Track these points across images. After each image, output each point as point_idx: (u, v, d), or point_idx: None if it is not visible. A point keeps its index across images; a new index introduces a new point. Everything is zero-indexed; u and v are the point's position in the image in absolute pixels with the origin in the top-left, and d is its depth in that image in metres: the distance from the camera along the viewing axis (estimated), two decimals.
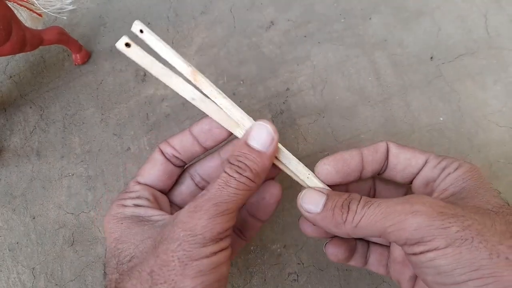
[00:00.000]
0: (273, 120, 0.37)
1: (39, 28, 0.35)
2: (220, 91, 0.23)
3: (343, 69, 0.39)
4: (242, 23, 0.41)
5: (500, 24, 0.40)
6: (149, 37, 0.24)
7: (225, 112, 0.23)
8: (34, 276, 0.34)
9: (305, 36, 0.40)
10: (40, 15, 0.35)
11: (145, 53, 0.23)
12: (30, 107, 0.39)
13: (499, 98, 0.38)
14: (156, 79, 0.40)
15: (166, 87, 0.39)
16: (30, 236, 0.35)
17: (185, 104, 0.38)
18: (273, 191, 0.25)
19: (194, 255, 0.18)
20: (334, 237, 0.26)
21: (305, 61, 0.39)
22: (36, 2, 0.33)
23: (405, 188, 0.25)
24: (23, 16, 0.33)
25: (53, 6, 0.34)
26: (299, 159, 0.36)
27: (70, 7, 0.35)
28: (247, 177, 0.20)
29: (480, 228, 0.16)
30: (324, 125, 0.37)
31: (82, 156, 0.37)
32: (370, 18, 0.41)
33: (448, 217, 0.17)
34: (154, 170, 0.24)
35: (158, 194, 0.25)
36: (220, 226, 0.19)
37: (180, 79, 0.24)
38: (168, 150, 0.25)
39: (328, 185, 0.24)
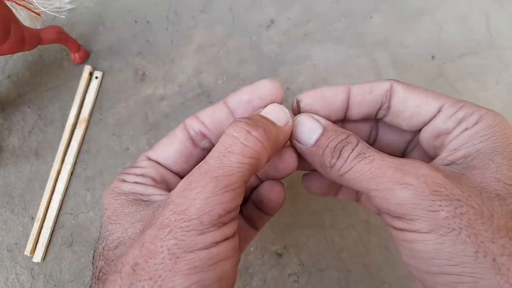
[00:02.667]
0: None
1: (38, 27, 0.35)
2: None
3: (344, 69, 0.39)
4: (242, 22, 0.41)
5: (502, 23, 0.40)
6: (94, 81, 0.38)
7: None
8: (32, 277, 0.34)
9: (305, 35, 0.40)
10: (38, 14, 0.34)
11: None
12: (29, 107, 0.39)
13: (500, 97, 0.37)
14: (156, 78, 0.40)
15: (165, 86, 0.39)
16: (29, 237, 0.35)
17: (185, 103, 0.38)
18: (275, 189, 0.22)
19: (188, 246, 0.14)
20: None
21: (306, 61, 0.39)
22: (34, 1, 0.33)
23: (412, 134, 0.22)
24: (21, 15, 0.33)
25: (52, 5, 0.34)
26: None
27: (69, 6, 0.35)
28: (256, 138, 0.16)
29: (474, 219, 0.14)
30: None
31: (80, 156, 0.37)
32: (371, 17, 0.41)
33: (441, 198, 0.14)
34: (170, 148, 0.20)
35: (170, 175, 0.21)
36: (222, 207, 0.15)
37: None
38: (195, 125, 0.20)
39: None
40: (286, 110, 0.19)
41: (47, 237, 0.34)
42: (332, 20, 0.41)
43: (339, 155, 0.17)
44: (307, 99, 0.20)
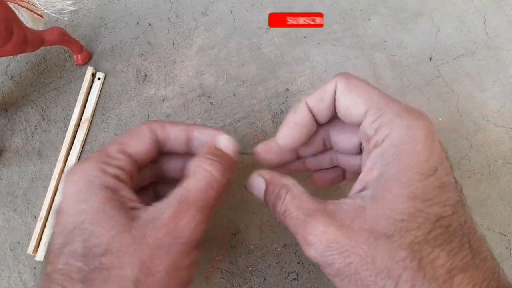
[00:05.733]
0: (273, 121, 0.37)
1: (40, 28, 0.36)
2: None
3: (343, 70, 0.39)
4: (242, 24, 0.41)
5: (499, 25, 0.40)
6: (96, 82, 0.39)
7: None
8: (35, 276, 0.35)
9: (304, 37, 0.41)
10: (41, 16, 0.35)
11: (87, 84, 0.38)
12: (32, 107, 0.39)
13: (497, 98, 0.38)
14: (157, 80, 0.40)
15: (166, 87, 0.39)
16: (32, 236, 0.35)
17: (186, 104, 0.38)
18: None
19: (180, 265, 0.17)
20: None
21: (305, 62, 0.40)
22: (37, 3, 0.33)
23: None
24: (24, 17, 0.33)
25: (54, 7, 0.34)
26: None
27: (71, 8, 0.35)
28: (226, 178, 0.20)
29: (360, 265, 0.16)
30: None
31: (83, 156, 0.37)
32: (369, 19, 0.41)
33: (333, 253, 0.16)
34: (142, 145, 0.21)
35: (135, 173, 0.21)
36: (203, 231, 0.19)
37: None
38: (159, 131, 0.22)
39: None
40: (233, 140, 0.23)
41: (50, 236, 0.35)
42: (331, 22, 0.41)
43: (275, 209, 0.20)
44: (284, 139, 0.22)
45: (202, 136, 0.23)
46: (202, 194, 0.19)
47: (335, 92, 0.19)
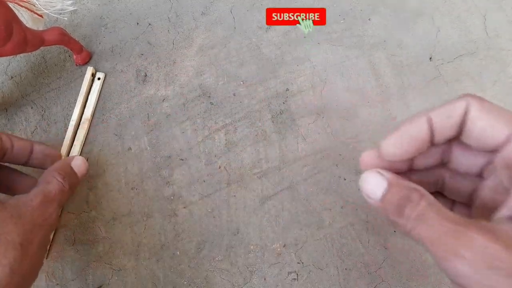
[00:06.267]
0: (273, 121, 0.37)
1: (40, 28, 0.36)
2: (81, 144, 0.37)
3: (343, 70, 0.39)
4: (242, 24, 0.41)
5: (499, 24, 0.40)
6: (96, 82, 0.39)
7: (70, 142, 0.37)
8: None
9: (304, 37, 0.41)
10: (41, 16, 0.35)
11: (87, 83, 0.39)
12: (31, 108, 0.39)
13: (498, 98, 0.38)
14: (157, 79, 0.40)
15: (166, 87, 0.39)
16: None
17: (186, 104, 0.38)
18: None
19: (46, 241, 0.27)
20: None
21: (305, 62, 0.39)
22: (37, 3, 0.33)
23: (487, 157, 0.20)
24: (24, 16, 0.33)
25: (54, 7, 0.34)
26: (299, 159, 0.36)
27: (71, 8, 0.35)
28: (72, 189, 0.30)
29: None
30: (324, 125, 0.37)
31: (83, 156, 0.37)
32: (369, 19, 0.41)
33: (498, 273, 0.14)
34: None
35: None
36: (58, 221, 0.31)
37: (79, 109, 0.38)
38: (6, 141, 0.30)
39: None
40: (86, 163, 0.33)
41: (50, 236, 0.35)
42: (331, 22, 0.41)
43: (403, 214, 0.17)
44: (389, 148, 0.19)
45: (43, 150, 0.31)
46: (58, 195, 0.27)
47: (465, 112, 0.18)
